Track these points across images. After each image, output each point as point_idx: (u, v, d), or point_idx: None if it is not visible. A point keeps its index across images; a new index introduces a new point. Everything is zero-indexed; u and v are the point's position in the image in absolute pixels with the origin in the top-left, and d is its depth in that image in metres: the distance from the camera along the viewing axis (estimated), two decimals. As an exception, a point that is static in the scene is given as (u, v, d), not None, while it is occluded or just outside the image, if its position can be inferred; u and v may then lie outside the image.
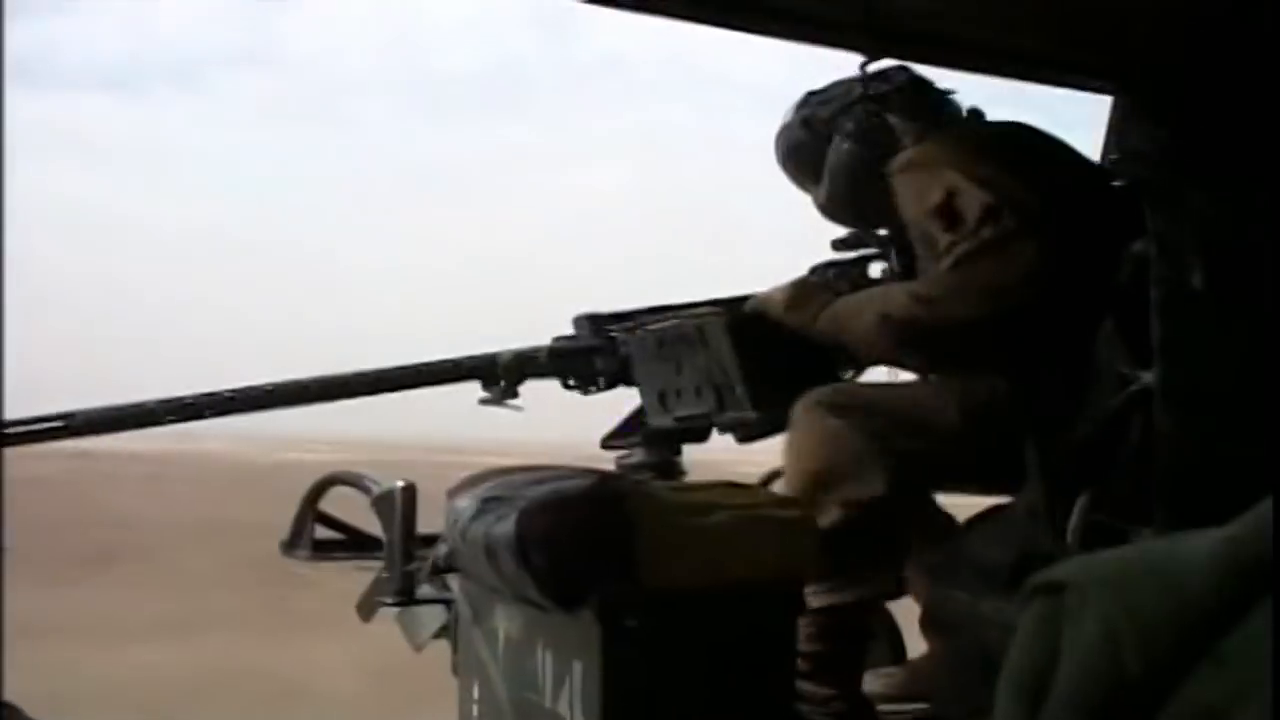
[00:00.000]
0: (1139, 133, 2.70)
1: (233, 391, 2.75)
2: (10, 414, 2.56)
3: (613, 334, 2.97)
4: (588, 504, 2.04)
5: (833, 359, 2.76)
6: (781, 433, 2.71)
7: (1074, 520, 2.23)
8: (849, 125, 2.75)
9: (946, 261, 2.41)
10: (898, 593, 2.76)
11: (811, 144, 2.81)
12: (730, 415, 2.75)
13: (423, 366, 2.93)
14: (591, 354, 2.98)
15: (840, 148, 2.75)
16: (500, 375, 2.93)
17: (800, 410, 2.57)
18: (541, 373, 2.98)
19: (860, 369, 2.81)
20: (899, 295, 2.51)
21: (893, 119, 2.69)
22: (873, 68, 2.74)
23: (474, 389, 2.96)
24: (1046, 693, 0.89)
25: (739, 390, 2.71)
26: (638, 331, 2.93)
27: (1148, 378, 2.14)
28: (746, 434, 2.79)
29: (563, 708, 2.10)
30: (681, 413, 2.83)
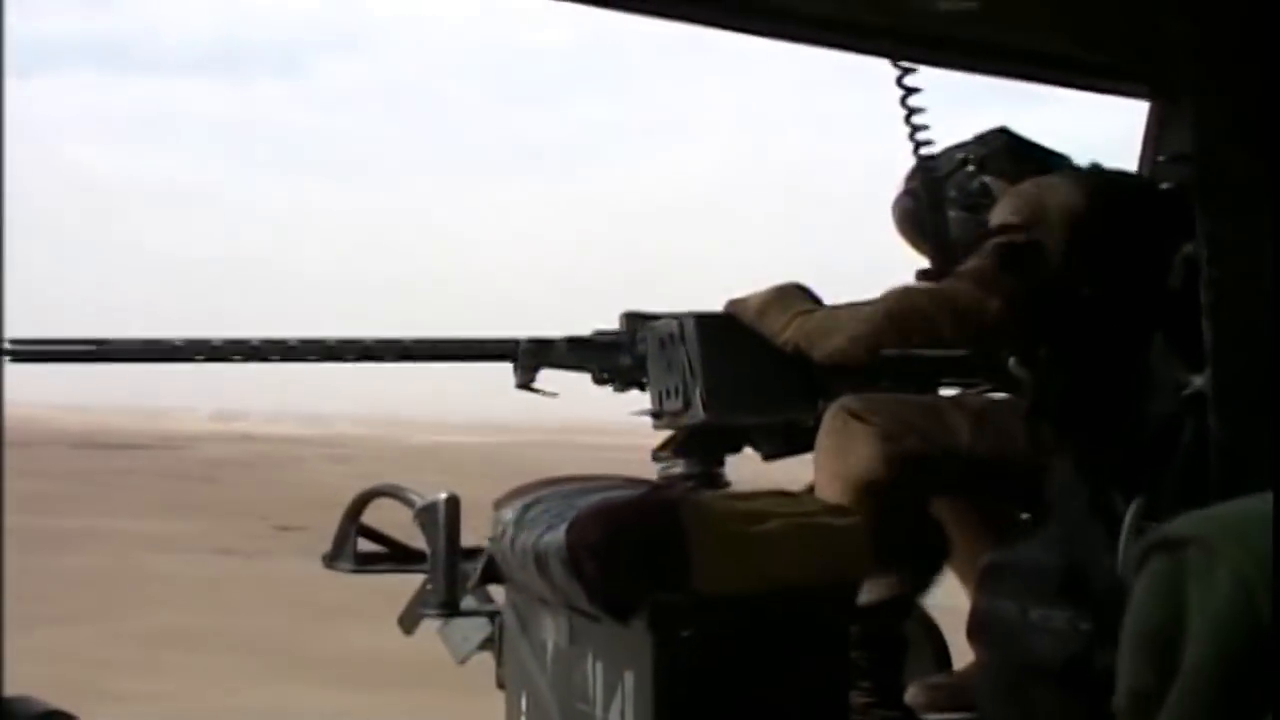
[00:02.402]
0: (1180, 135, 2.69)
1: (260, 341, 2.81)
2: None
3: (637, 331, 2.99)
4: (639, 513, 2.04)
5: (807, 376, 2.76)
6: (732, 453, 2.80)
7: (1126, 526, 2.21)
8: (953, 192, 2.80)
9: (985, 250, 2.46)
10: (923, 591, 2.77)
11: (919, 212, 2.85)
12: (690, 417, 2.77)
13: (451, 342, 2.96)
14: (611, 349, 2.99)
15: (947, 215, 2.78)
16: (520, 360, 2.94)
17: (828, 417, 2.60)
18: (561, 364, 3.00)
19: (828, 395, 2.79)
20: (915, 288, 2.57)
21: (990, 180, 2.72)
22: (973, 131, 2.78)
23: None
24: (1174, 651, 0.88)
25: (697, 390, 2.73)
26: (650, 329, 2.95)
27: (1200, 382, 2.13)
28: (708, 446, 2.82)
29: (613, 718, 2.09)
30: (661, 408, 2.85)
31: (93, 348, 2.78)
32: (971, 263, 2.52)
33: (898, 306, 2.58)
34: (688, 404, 2.75)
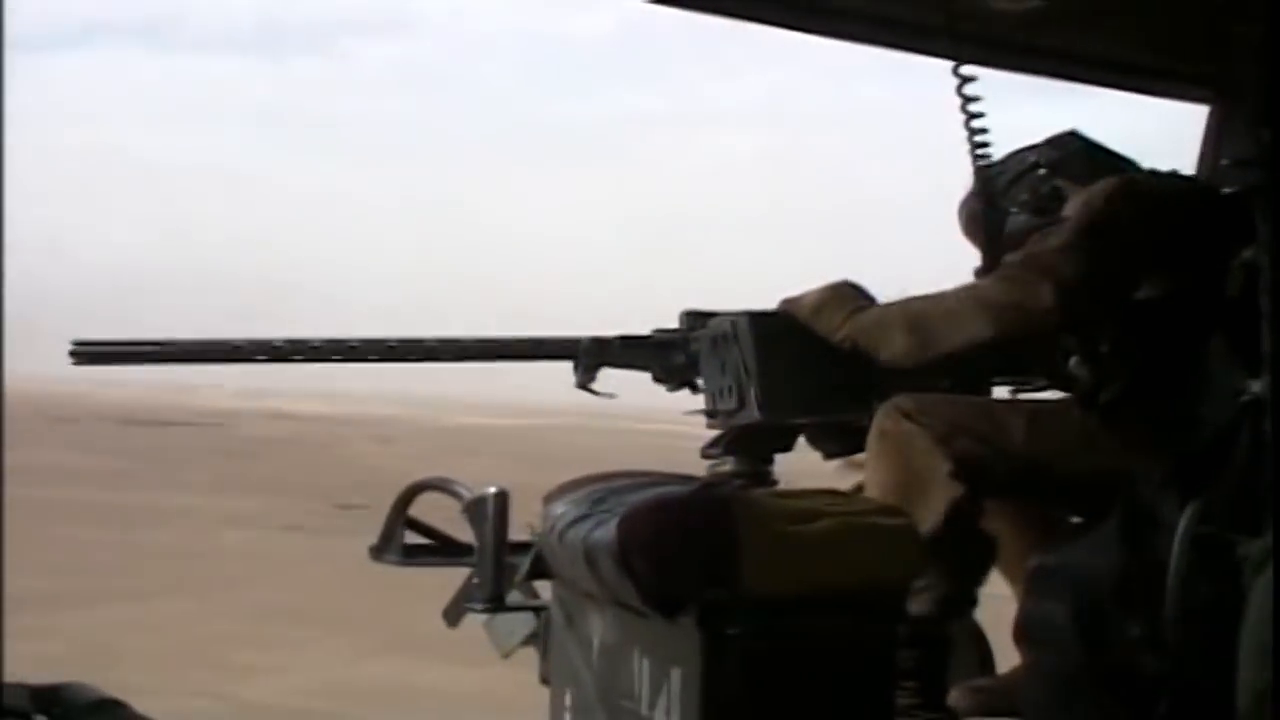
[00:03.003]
0: (1242, 139, 2.67)
1: (321, 342, 2.84)
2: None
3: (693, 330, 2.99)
4: (690, 510, 2.03)
5: (862, 375, 2.74)
6: (782, 451, 2.80)
7: (1181, 531, 2.19)
8: (1023, 195, 2.78)
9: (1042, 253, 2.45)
10: (972, 601, 2.75)
11: (987, 214, 2.83)
12: (743, 417, 2.76)
13: (511, 341, 2.97)
14: (668, 347, 2.99)
15: (1017, 218, 2.77)
16: (580, 359, 2.95)
17: (879, 416, 2.60)
18: (618, 363, 3.00)
19: (883, 394, 2.78)
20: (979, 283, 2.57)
21: (1062, 184, 2.70)
22: (1045, 135, 2.77)
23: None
24: None
25: (752, 390, 2.72)
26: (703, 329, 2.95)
27: (1257, 388, 2.11)
28: (758, 444, 2.82)
29: (659, 716, 2.09)
30: (714, 407, 2.85)
31: (155, 348, 2.81)
32: (1029, 249, 2.51)
33: (958, 304, 2.56)
34: (742, 403, 2.74)
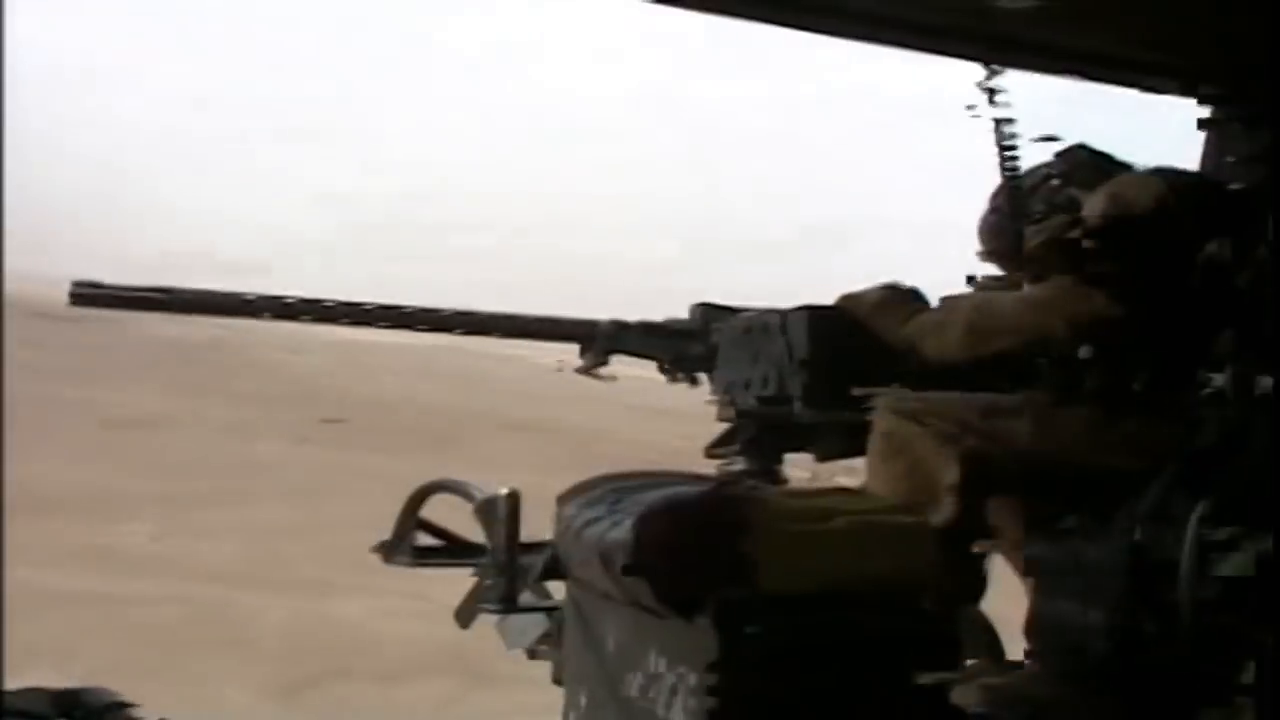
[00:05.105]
0: (1250, 137, 2.67)
1: (334, 302, 2.86)
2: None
3: (711, 322, 2.99)
4: (705, 509, 2.04)
5: (906, 373, 2.76)
6: (793, 450, 2.82)
7: (1191, 528, 2.20)
8: (1039, 207, 2.80)
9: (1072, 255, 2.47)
10: (979, 594, 2.76)
11: (1003, 226, 2.85)
12: (783, 406, 2.77)
13: (526, 319, 2.97)
14: (685, 337, 2.99)
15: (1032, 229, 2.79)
16: (597, 342, 2.95)
17: (878, 416, 2.60)
18: (634, 349, 3.00)
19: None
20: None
21: (1076, 192, 2.71)
22: (1055, 147, 2.78)
23: None
24: None
25: (799, 379, 2.73)
26: (729, 320, 2.95)
27: (1266, 383, 2.12)
28: (778, 438, 2.83)
29: (675, 715, 2.09)
30: (741, 397, 2.85)
31: (162, 295, 2.78)
32: (1066, 263, 2.51)
33: (1015, 304, 2.57)
34: (780, 393, 2.74)
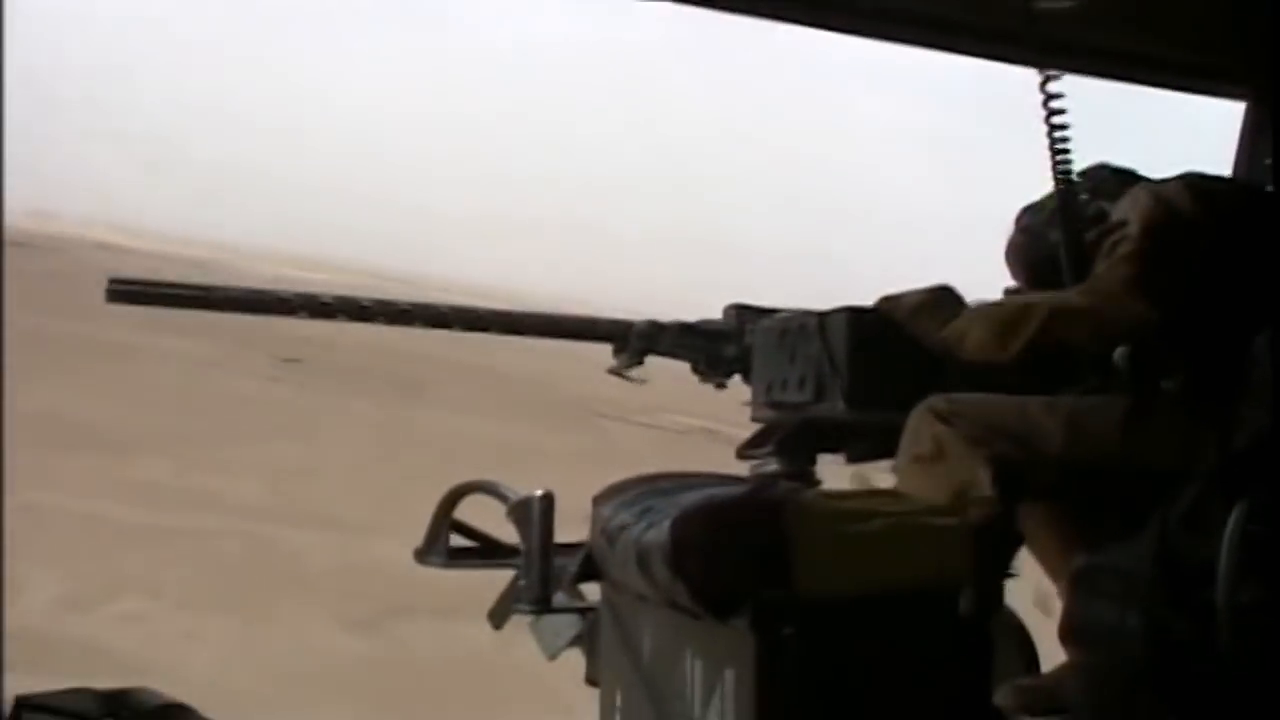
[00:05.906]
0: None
1: (370, 301, 2.86)
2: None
3: (746, 323, 2.99)
4: (743, 511, 2.04)
5: (946, 375, 2.75)
6: (827, 452, 2.81)
7: (1230, 530, 2.19)
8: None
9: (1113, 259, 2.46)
10: (1000, 599, 2.76)
11: (1028, 246, 2.84)
12: (822, 407, 2.76)
13: (562, 318, 2.98)
14: (719, 338, 3.00)
15: (1078, 236, 2.78)
16: (631, 342, 2.95)
17: (913, 417, 2.59)
18: (668, 349, 3.01)
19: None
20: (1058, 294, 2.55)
21: (1105, 204, 2.71)
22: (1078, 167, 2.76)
23: None
24: None
25: (839, 382, 2.72)
26: (764, 321, 2.95)
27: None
28: (816, 439, 2.83)
29: (712, 717, 2.10)
30: (778, 399, 2.84)
31: (200, 293, 2.79)
32: (1112, 269, 2.50)
33: (1048, 308, 2.56)
34: (819, 394, 2.74)
